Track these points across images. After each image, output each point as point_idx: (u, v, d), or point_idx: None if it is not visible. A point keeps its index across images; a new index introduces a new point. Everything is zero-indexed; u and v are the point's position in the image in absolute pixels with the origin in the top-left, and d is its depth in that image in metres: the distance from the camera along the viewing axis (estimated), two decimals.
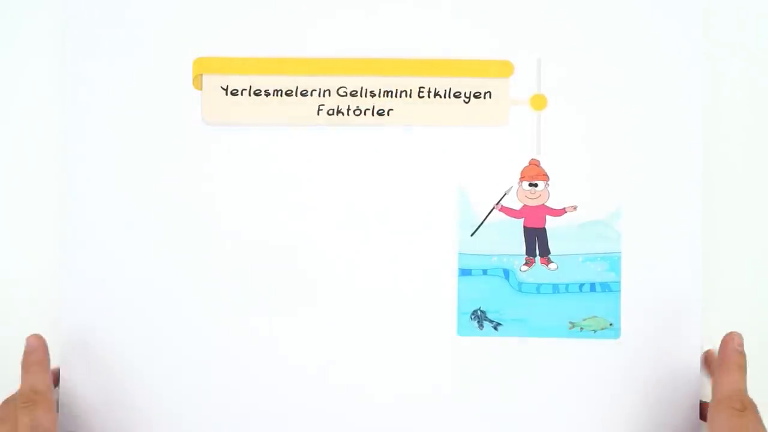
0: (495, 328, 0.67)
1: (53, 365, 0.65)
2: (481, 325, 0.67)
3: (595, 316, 0.66)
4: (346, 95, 0.67)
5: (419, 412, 0.67)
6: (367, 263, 0.67)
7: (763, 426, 0.60)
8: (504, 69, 0.67)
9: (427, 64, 0.66)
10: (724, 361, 0.62)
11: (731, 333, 0.63)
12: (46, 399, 0.61)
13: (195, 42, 0.67)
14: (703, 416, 0.66)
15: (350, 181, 0.67)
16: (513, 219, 0.67)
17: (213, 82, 0.67)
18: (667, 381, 0.66)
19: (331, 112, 0.67)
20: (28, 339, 0.64)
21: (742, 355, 0.62)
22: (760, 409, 0.61)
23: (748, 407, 0.60)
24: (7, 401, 0.63)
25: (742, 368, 0.61)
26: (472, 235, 0.67)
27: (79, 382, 0.67)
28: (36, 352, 0.63)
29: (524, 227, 0.67)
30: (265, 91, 0.67)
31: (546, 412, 0.66)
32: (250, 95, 0.67)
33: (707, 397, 0.65)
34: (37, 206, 0.69)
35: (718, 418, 0.60)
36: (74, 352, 0.67)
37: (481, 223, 0.67)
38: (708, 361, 0.66)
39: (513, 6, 0.67)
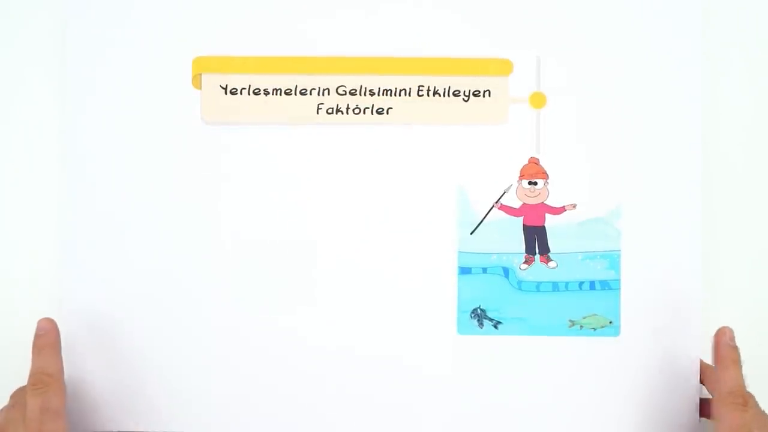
0: (495, 327, 0.66)
1: None
2: (481, 324, 0.66)
3: (595, 314, 0.66)
4: (346, 94, 0.67)
5: (419, 410, 0.67)
6: (367, 262, 0.67)
7: (764, 414, 0.62)
8: (503, 67, 0.67)
9: (426, 62, 0.66)
10: (720, 358, 0.63)
11: (722, 329, 0.63)
12: (56, 381, 0.61)
13: (194, 41, 0.67)
14: (703, 413, 0.66)
15: (350, 180, 0.67)
16: (512, 217, 0.67)
17: (212, 81, 0.67)
18: (667, 379, 0.66)
19: (330, 110, 0.67)
20: (39, 322, 0.63)
21: (735, 349, 0.62)
22: (761, 407, 0.61)
23: (749, 401, 0.60)
24: (20, 389, 0.63)
25: (737, 362, 0.62)
26: (471, 233, 0.67)
27: (80, 370, 0.67)
28: (47, 334, 0.63)
29: (524, 225, 0.67)
30: (265, 90, 0.67)
31: (546, 410, 0.66)
32: (249, 94, 0.67)
33: (707, 395, 0.65)
34: (37, 206, 0.69)
35: (723, 415, 0.60)
36: (75, 354, 0.66)
37: (481, 222, 0.67)
38: (703, 372, 0.66)
39: (512, 4, 0.67)
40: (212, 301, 0.67)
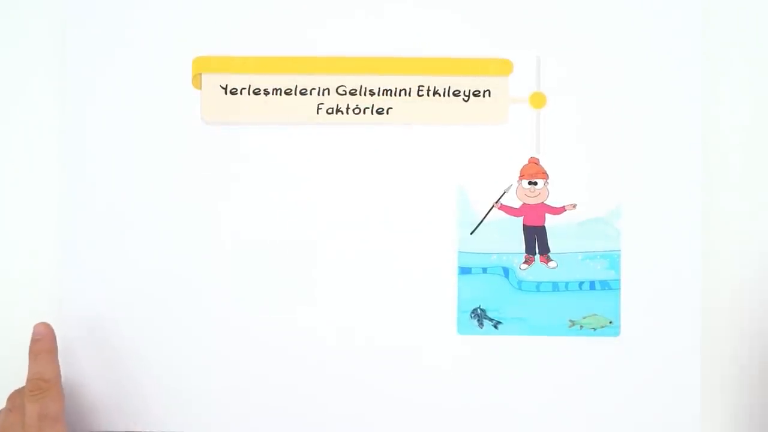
0: (495, 327, 0.66)
1: None
2: (481, 324, 0.66)
3: (595, 314, 0.66)
4: (346, 94, 0.67)
5: (419, 410, 0.66)
6: (367, 262, 0.67)
7: None
8: (503, 67, 0.67)
9: (426, 62, 0.66)
10: None
11: None
12: (54, 387, 0.61)
13: (194, 41, 0.67)
14: None
15: (350, 180, 0.67)
16: (512, 217, 0.67)
17: (212, 81, 0.67)
18: (667, 379, 0.66)
19: (330, 110, 0.67)
20: (35, 327, 0.63)
21: None
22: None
23: None
24: (17, 391, 0.63)
25: None
26: (471, 233, 0.67)
27: (80, 369, 0.67)
28: (44, 339, 0.63)
29: (524, 225, 0.67)
30: (265, 90, 0.67)
31: (546, 410, 0.66)
32: (249, 94, 0.67)
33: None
34: (37, 206, 0.69)
35: None
36: (75, 353, 0.67)
37: (481, 222, 0.67)
38: None
39: (512, 4, 0.67)
40: (212, 301, 0.67)
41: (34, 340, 0.63)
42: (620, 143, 0.66)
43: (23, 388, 0.63)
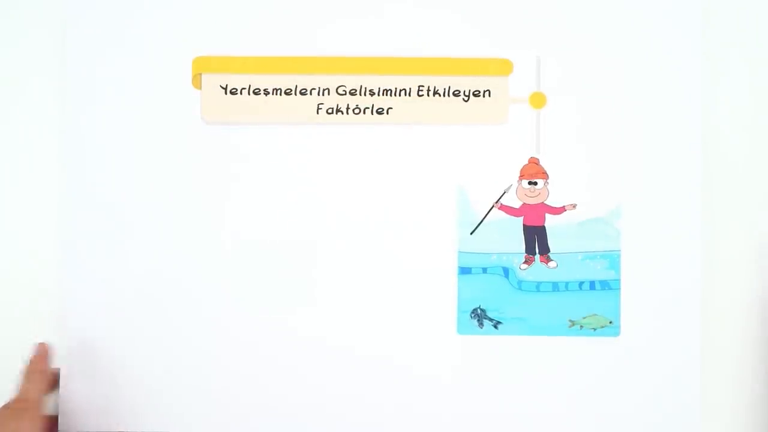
0: (495, 327, 0.66)
1: (53, 367, 0.65)
2: (481, 324, 0.66)
3: (595, 314, 0.66)
4: (346, 94, 0.67)
5: (420, 409, 0.66)
6: (367, 262, 0.67)
7: None
8: (503, 67, 0.67)
9: (426, 62, 0.66)
10: None
11: None
12: (34, 408, 0.62)
13: (194, 41, 0.67)
14: None
15: (350, 180, 0.67)
16: (512, 217, 0.67)
17: (212, 81, 0.67)
18: (667, 378, 0.66)
19: (330, 110, 0.67)
20: (36, 346, 0.64)
21: None
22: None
23: None
24: (5, 406, 0.63)
25: None
26: (471, 233, 0.67)
27: (79, 384, 0.67)
28: (40, 360, 0.64)
29: (524, 225, 0.67)
30: (265, 90, 0.67)
31: (546, 410, 0.66)
32: (249, 94, 0.67)
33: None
34: (37, 206, 0.69)
35: None
36: (76, 354, 0.67)
37: (481, 222, 0.67)
38: None
39: (512, 4, 0.67)
40: (212, 301, 0.67)
41: (32, 360, 0.64)
42: (620, 143, 0.66)
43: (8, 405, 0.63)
